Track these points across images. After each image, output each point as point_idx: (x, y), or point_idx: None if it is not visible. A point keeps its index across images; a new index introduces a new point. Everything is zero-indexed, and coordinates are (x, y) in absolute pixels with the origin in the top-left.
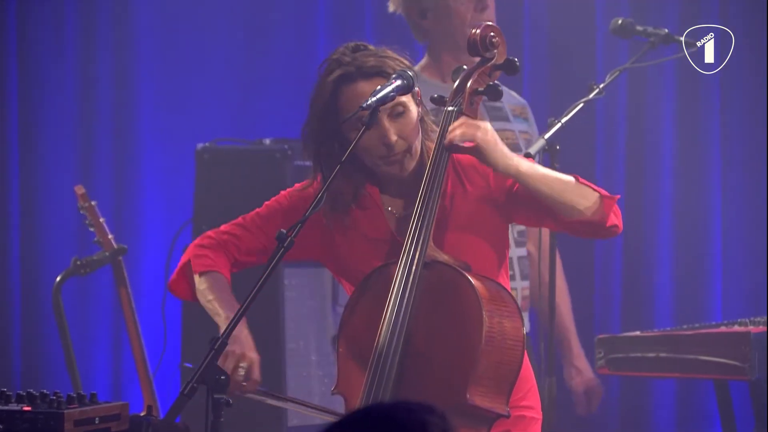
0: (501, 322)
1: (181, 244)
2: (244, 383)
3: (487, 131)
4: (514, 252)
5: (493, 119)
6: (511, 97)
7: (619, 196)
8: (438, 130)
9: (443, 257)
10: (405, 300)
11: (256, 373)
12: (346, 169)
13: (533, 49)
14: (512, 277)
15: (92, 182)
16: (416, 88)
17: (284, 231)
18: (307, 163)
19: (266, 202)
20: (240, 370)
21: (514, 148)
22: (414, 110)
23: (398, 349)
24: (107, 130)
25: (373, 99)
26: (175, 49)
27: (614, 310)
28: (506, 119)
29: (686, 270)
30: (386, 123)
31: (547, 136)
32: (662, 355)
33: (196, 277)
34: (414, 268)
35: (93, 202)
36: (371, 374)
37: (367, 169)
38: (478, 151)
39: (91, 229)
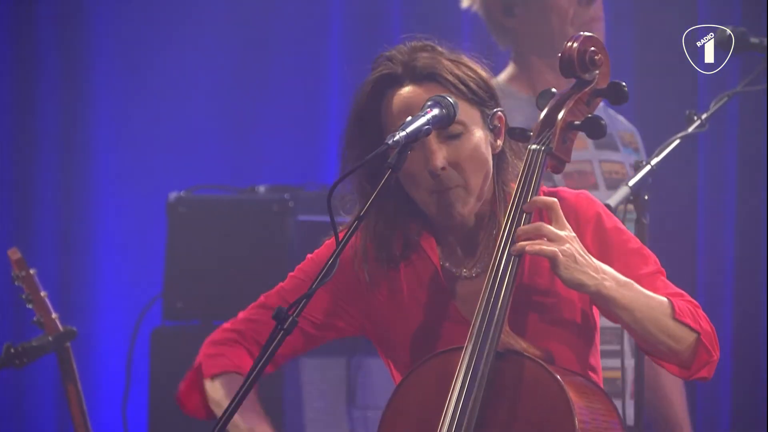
0: None
1: (148, 325)
2: None
3: (564, 251)
4: None
5: (598, 147)
6: (619, 123)
7: (717, 357)
8: (521, 171)
9: (520, 345)
10: (470, 402)
11: None
12: (386, 210)
13: (614, 66)
14: (616, 354)
15: (32, 245)
16: (498, 111)
17: (284, 308)
18: (314, 218)
19: (290, 273)
20: None
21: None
22: (478, 135)
23: None
24: (51, 175)
25: (402, 134)
26: (140, 70)
27: (723, 406)
28: (615, 148)
29: None
30: (434, 144)
31: (632, 182)
32: None
33: (208, 384)
34: (484, 359)
35: (32, 271)
36: None
37: (416, 211)
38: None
39: (30, 306)
